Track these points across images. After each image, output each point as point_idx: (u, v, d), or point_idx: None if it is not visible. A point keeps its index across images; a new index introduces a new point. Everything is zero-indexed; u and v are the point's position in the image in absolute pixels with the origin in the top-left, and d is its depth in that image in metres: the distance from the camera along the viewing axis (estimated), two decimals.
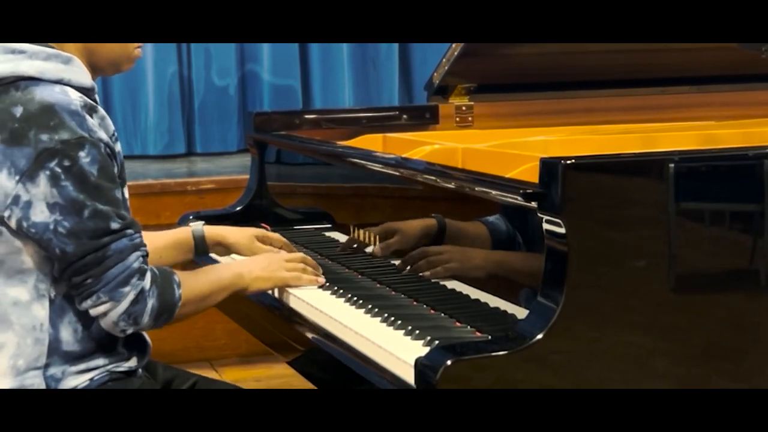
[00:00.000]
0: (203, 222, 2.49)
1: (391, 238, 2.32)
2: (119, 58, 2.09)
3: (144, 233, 2.32)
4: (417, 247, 2.24)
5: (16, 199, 1.91)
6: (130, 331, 1.99)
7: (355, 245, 2.48)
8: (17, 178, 1.91)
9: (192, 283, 2.08)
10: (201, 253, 2.44)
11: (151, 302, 1.97)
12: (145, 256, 2.00)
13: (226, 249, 2.44)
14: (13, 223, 1.93)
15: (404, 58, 5.44)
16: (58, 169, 1.90)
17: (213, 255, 2.49)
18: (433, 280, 2.15)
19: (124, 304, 1.95)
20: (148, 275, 1.98)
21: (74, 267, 1.93)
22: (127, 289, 1.95)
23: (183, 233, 2.42)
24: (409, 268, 2.24)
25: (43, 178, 1.90)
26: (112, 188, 1.96)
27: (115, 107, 5.08)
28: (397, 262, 2.29)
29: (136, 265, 1.96)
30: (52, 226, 1.91)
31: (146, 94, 5.08)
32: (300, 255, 2.34)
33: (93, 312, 1.96)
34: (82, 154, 1.91)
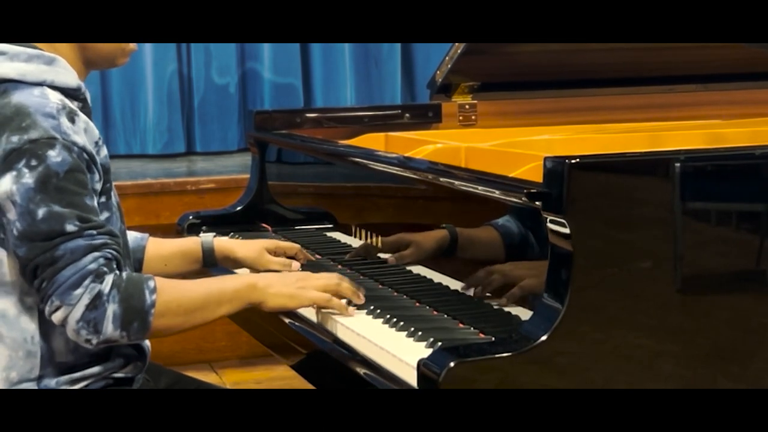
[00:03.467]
0: (214, 234, 2.45)
1: (405, 249, 2.29)
2: (113, 52, 2.05)
3: (152, 239, 2.31)
4: (430, 257, 2.21)
5: None
6: (95, 341, 1.87)
7: (367, 253, 2.44)
8: None
9: (180, 291, 1.94)
10: (209, 266, 2.36)
11: (111, 307, 1.85)
12: (109, 258, 1.87)
13: (234, 263, 2.37)
14: None
15: (407, 56, 5.43)
16: (25, 169, 1.85)
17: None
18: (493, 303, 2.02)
19: (79, 309, 1.84)
20: (109, 278, 1.85)
21: (28, 270, 1.86)
22: (79, 291, 1.83)
23: (191, 243, 2.36)
24: (478, 290, 2.04)
25: (8, 178, 1.85)
26: (79, 194, 1.87)
27: (114, 106, 5.07)
28: (413, 269, 2.27)
29: (92, 266, 1.84)
30: (10, 226, 1.87)
31: (145, 92, 5.06)
32: (336, 275, 2.12)
33: (53, 320, 1.87)
34: (52, 153, 1.85)
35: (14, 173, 1.85)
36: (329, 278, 2.08)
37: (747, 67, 3.03)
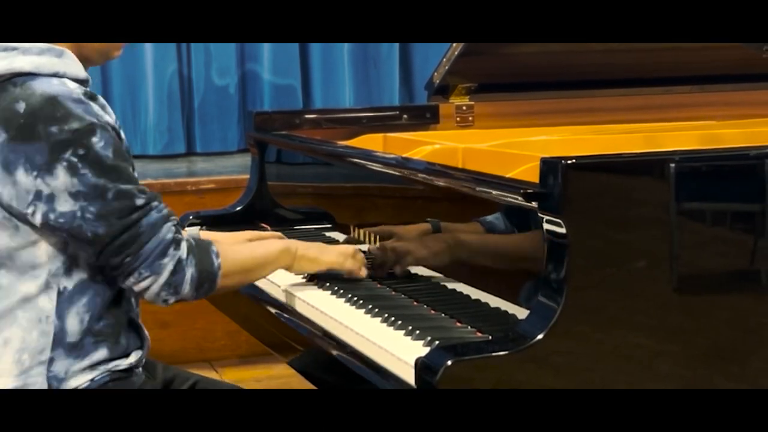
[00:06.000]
0: (200, 227, 2.48)
1: (388, 239, 2.31)
2: (107, 45, 2.09)
3: None
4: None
5: (38, 194, 1.92)
6: (172, 300, 2.00)
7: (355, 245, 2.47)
8: (35, 173, 1.91)
9: (236, 255, 2.11)
10: None
11: (190, 271, 1.99)
12: (177, 224, 2.02)
13: None
14: (37, 218, 1.93)
15: (405, 57, 5.43)
16: (74, 159, 1.90)
17: None
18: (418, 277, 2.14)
19: (165, 275, 1.97)
20: (184, 245, 2.00)
21: (110, 248, 1.94)
22: (165, 260, 1.97)
23: None
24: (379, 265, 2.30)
25: (60, 170, 1.91)
26: (127, 168, 1.98)
27: (115, 106, 5.05)
28: (410, 268, 2.29)
29: (170, 236, 1.98)
30: (79, 213, 1.92)
31: (146, 93, 5.06)
32: (352, 247, 2.33)
33: (136, 288, 1.98)
34: (94, 139, 1.92)
35: (65, 164, 1.91)
36: (346, 248, 2.31)
37: (743, 69, 3.03)
